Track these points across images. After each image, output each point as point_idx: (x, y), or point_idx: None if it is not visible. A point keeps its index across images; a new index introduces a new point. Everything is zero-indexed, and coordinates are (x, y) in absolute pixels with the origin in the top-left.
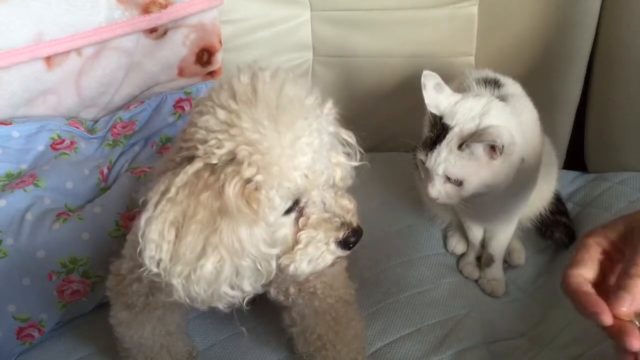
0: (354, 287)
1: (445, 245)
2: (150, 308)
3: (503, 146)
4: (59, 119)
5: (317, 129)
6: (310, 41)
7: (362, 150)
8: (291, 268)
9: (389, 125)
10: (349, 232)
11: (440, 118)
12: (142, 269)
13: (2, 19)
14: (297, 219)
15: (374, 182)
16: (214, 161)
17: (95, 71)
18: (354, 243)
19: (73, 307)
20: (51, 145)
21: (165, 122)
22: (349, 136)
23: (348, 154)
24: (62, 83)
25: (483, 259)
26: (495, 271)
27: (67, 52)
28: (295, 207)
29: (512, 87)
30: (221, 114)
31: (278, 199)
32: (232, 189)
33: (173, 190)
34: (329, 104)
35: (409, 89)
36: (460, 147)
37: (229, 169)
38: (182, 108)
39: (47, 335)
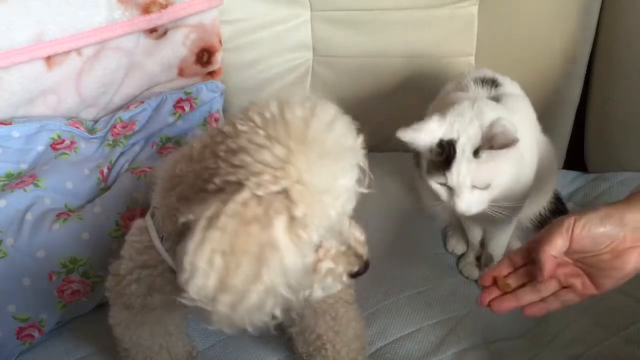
0: (353, 287)
1: (445, 245)
2: (148, 309)
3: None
4: (59, 119)
5: (353, 168)
6: (310, 41)
7: (372, 176)
8: (306, 293)
9: (389, 125)
10: (362, 267)
11: (441, 140)
12: (182, 295)
13: (2, 19)
14: (316, 248)
15: (373, 182)
16: (261, 193)
17: (95, 71)
18: (362, 274)
19: (73, 307)
20: (51, 145)
21: (165, 122)
22: (362, 162)
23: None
24: (62, 83)
25: (483, 259)
26: None
27: (67, 52)
28: None
29: (510, 86)
30: (279, 150)
31: (316, 235)
32: (280, 224)
33: (223, 219)
34: (360, 138)
35: (409, 89)
36: (475, 154)
37: (278, 204)
38: (182, 108)
39: (47, 335)
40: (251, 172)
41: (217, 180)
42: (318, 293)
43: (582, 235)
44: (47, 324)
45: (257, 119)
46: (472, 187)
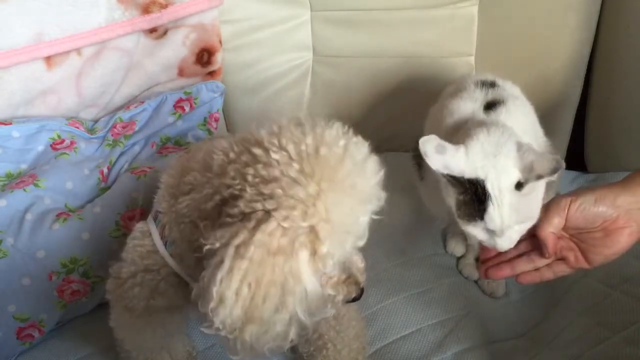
0: None
1: (444, 246)
2: (150, 311)
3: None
4: (59, 119)
5: (374, 207)
6: (310, 41)
7: (383, 202)
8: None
9: (389, 125)
10: (357, 294)
11: (463, 178)
12: (206, 324)
13: (2, 19)
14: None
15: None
16: (287, 225)
17: (95, 71)
18: (356, 300)
19: (73, 307)
20: (51, 145)
21: (165, 122)
22: None
23: None
24: (62, 83)
25: None
26: None
27: (67, 52)
28: None
29: (511, 89)
30: (312, 188)
31: (331, 267)
32: (304, 256)
33: (251, 249)
34: (381, 173)
35: (408, 89)
36: (519, 187)
37: (304, 237)
38: (182, 108)
39: (47, 335)
40: (281, 205)
41: (241, 204)
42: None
43: (577, 215)
44: (47, 324)
45: (292, 151)
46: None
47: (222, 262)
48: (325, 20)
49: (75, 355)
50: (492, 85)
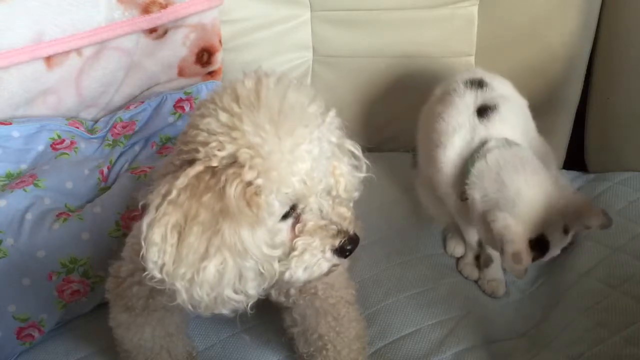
0: (354, 288)
1: (444, 247)
2: (150, 310)
3: None
4: (59, 119)
5: (317, 137)
6: (310, 41)
7: (368, 162)
8: (286, 275)
9: (389, 125)
10: (345, 240)
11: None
12: (144, 274)
13: (2, 19)
14: (293, 225)
15: (373, 182)
16: (215, 164)
17: (95, 71)
18: (350, 251)
19: (73, 307)
20: (51, 145)
21: (165, 122)
22: (354, 147)
23: (355, 166)
24: (62, 83)
25: (482, 260)
26: (495, 272)
27: (67, 52)
28: (292, 213)
29: (501, 87)
30: (223, 116)
31: (277, 204)
32: (233, 191)
33: (174, 193)
34: (332, 113)
35: (408, 89)
36: (566, 231)
37: (230, 171)
38: (182, 108)
39: (47, 335)
40: (200, 143)
41: (176, 162)
42: (299, 273)
43: None
44: (47, 324)
45: (210, 96)
46: None
47: (148, 211)
48: (325, 20)
49: (75, 355)
50: (481, 84)
